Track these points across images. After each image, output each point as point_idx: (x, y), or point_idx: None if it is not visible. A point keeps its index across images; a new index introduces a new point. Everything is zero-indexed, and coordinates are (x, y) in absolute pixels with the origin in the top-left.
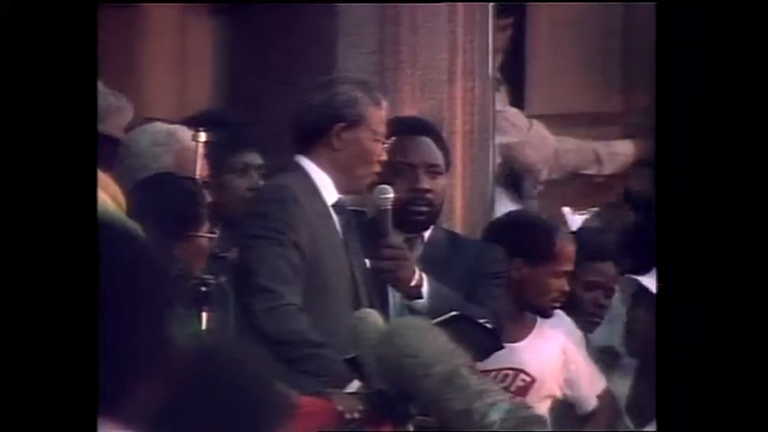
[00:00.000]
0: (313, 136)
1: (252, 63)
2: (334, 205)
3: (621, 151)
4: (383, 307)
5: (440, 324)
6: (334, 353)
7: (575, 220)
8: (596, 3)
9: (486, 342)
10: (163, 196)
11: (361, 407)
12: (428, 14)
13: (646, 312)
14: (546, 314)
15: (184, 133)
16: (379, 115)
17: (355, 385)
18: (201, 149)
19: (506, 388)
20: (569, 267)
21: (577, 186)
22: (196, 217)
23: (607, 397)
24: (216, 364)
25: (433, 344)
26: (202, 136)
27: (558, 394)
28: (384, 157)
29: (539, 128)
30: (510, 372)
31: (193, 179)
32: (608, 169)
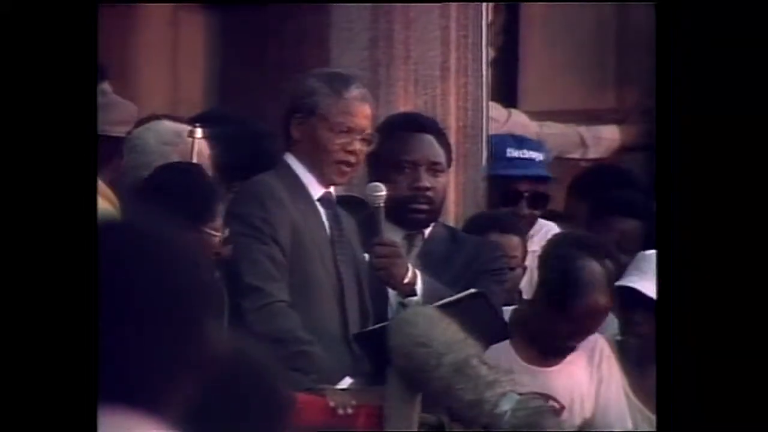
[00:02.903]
0: (284, 131)
1: (246, 59)
2: (320, 200)
3: (606, 135)
4: (381, 303)
5: (455, 301)
6: (323, 350)
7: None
8: (592, 1)
9: (495, 328)
10: (183, 183)
11: (353, 402)
12: (421, 10)
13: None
14: (565, 354)
15: None
16: (341, 105)
17: (347, 381)
18: (196, 146)
19: None
20: (602, 320)
21: (562, 170)
22: (212, 212)
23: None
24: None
25: (445, 333)
26: (199, 133)
27: (588, 416)
28: (351, 147)
29: (518, 117)
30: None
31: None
32: (593, 153)
